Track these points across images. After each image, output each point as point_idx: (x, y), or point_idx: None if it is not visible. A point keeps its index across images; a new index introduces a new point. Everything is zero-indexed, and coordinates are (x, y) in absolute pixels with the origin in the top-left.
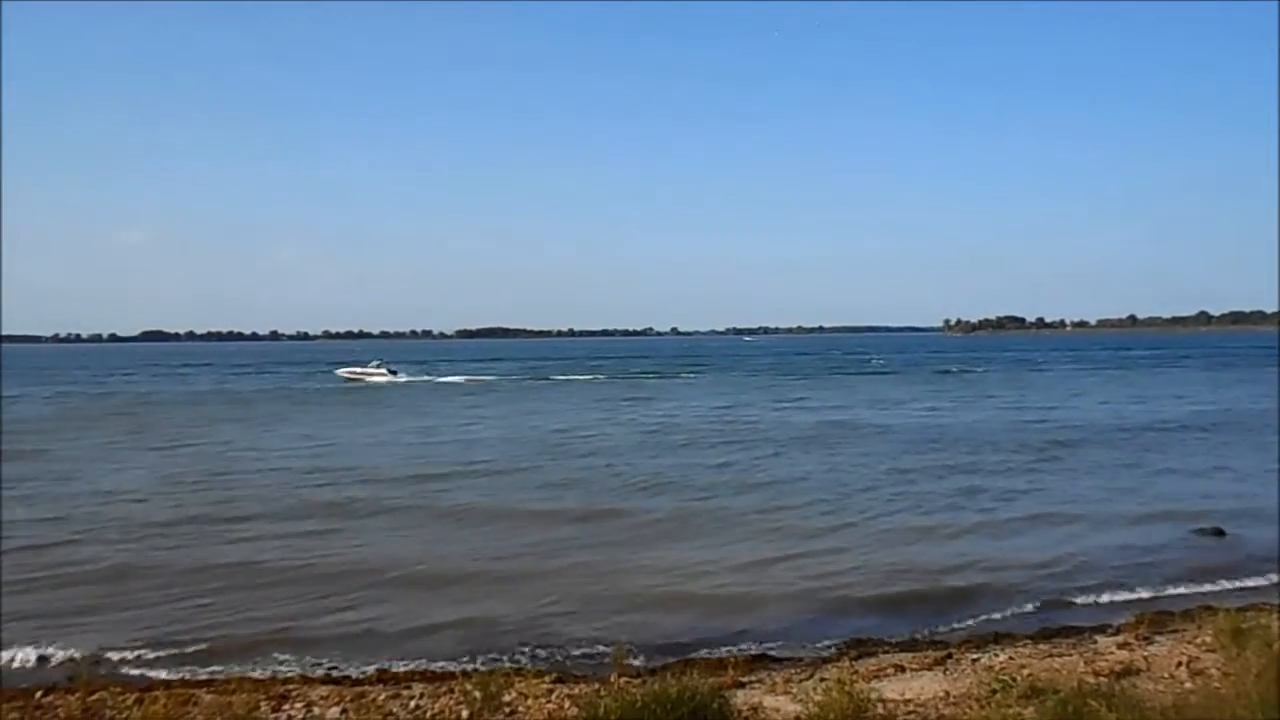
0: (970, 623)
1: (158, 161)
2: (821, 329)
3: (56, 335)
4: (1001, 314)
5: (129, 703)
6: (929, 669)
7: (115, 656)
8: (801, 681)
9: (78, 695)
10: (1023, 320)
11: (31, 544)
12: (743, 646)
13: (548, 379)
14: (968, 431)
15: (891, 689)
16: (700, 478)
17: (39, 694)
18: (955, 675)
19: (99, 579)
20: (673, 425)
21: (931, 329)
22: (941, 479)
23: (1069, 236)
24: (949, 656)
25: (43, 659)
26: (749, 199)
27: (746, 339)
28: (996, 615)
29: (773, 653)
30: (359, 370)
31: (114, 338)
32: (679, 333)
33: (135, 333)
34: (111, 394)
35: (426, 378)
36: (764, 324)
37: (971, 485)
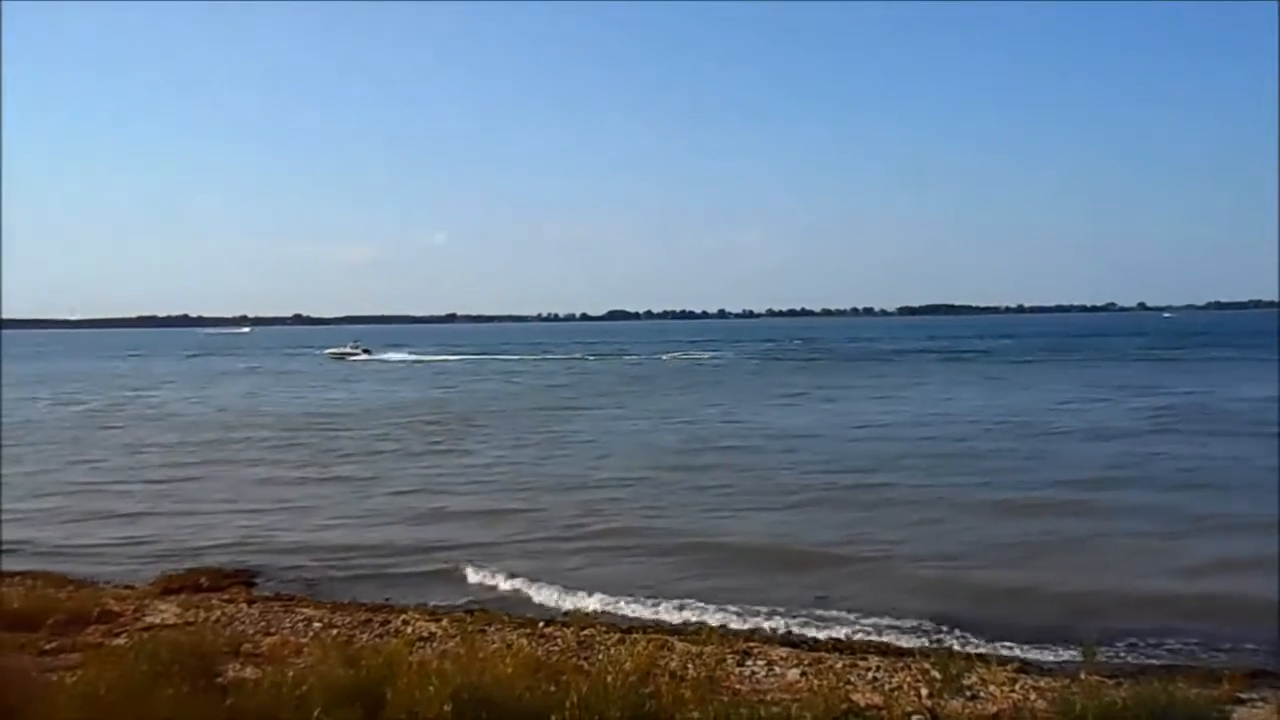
0: None
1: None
2: None
3: (539, 315)
4: None
5: (613, 641)
6: None
7: (598, 599)
8: None
9: (572, 629)
10: None
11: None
12: (1236, 657)
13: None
14: None
15: None
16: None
17: (541, 624)
18: None
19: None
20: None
21: None
22: None
23: None
24: None
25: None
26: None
27: (1165, 315)
28: None
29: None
30: (342, 350)
31: (585, 317)
32: (1146, 308)
33: (602, 312)
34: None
35: (400, 357)
36: (1257, 297)
37: None
